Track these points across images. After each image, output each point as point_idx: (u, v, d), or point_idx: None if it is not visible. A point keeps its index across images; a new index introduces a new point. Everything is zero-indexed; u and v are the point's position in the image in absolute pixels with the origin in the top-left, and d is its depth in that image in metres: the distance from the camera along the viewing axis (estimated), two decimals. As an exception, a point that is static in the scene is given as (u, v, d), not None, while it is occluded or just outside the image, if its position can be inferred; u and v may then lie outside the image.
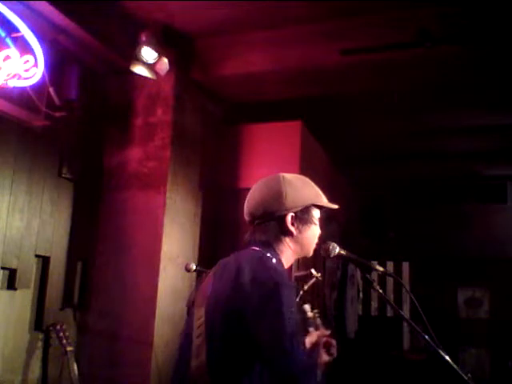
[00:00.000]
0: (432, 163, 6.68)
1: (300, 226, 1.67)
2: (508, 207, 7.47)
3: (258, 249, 1.63)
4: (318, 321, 1.97)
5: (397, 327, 6.90)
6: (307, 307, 2.01)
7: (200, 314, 1.59)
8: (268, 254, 1.60)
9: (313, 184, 1.76)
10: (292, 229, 1.65)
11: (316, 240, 1.73)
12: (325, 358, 1.79)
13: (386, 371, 6.00)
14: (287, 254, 1.67)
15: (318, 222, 1.72)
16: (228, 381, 1.47)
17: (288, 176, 1.72)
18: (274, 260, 1.59)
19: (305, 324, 1.92)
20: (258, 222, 1.68)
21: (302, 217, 1.67)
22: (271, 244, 1.65)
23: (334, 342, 1.82)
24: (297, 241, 1.67)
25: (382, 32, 3.60)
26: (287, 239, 1.67)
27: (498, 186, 7.52)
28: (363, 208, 7.72)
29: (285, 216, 1.64)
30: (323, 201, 1.73)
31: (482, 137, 5.76)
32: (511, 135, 5.56)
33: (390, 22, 3.58)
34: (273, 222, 1.65)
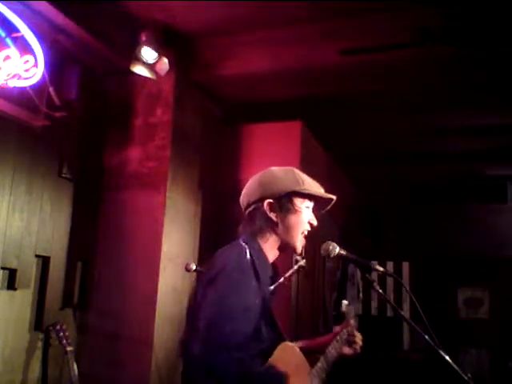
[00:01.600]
0: (432, 163, 6.68)
1: (281, 214, 1.70)
2: (508, 207, 7.46)
3: (239, 241, 1.68)
4: (351, 315, 2.00)
5: (397, 327, 6.89)
6: (345, 302, 2.04)
7: (194, 307, 1.66)
8: (243, 244, 1.65)
9: (297, 172, 1.77)
10: (272, 216, 1.69)
11: (302, 229, 1.74)
12: (345, 350, 1.85)
13: (386, 371, 5.99)
14: (270, 245, 1.71)
15: (303, 210, 1.73)
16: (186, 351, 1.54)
17: (274, 168, 1.78)
18: (247, 250, 1.63)
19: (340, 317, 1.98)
20: (245, 213, 1.76)
21: (283, 204, 1.70)
22: (254, 234, 1.70)
23: (358, 337, 1.86)
24: (279, 228, 1.70)
25: (382, 32, 3.60)
26: (269, 228, 1.70)
27: (498, 185, 7.51)
28: (363, 208, 7.72)
29: (262, 204, 1.69)
30: (304, 188, 1.73)
31: (482, 137, 5.75)
32: (511, 135, 5.55)
33: (390, 21, 3.58)
34: (255, 212, 1.71)
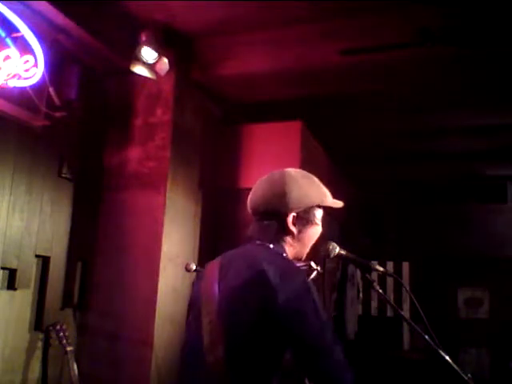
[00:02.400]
0: (432, 163, 6.68)
1: (301, 226, 1.65)
2: (508, 207, 7.46)
3: (270, 245, 1.61)
4: None
5: (397, 327, 6.89)
6: None
7: (209, 309, 1.54)
8: (271, 246, 1.60)
9: (318, 182, 1.72)
10: (293, 229, 1.63)
11: (314, 240, 1.71)
12: None
13: (385, 371, 5.99)
14: (288, 252, 1.66)
15: (320, 222, 1.70)
16: (249, 376, 1.44)
17: (294, 173, 1.68)
18: (284, 254, 1.59)
19: None
20: (258, 218, 1.66)
21: (304, 217, 1.64)
22: (272, 241, 1.63)
23: None
24: (296, 240, 1.66)
25: (382, 32, 3.60)
26: (287, 238, 1.65)
27: (498, 185, 7.51)
28: (363, 208, 7.72)
29: (287, 216, 1.62)
30: (328, 201, 1.70)
31: (482, 137, 5.75)
32: (511, 135, 5.55)
33: (390, 22, 3.58)
34: (273, 221, 1.63)
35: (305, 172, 1.74)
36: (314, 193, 1.68)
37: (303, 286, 1.45)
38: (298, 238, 1.65)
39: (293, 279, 1.46)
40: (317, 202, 1.67)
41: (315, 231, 1.69)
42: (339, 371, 1.42)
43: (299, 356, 1.43)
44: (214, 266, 1.66)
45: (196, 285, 1.75)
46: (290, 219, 1.62)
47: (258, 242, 1.64)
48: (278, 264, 1.50)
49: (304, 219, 1.65)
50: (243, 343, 1.45)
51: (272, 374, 1.45)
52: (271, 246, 1.61)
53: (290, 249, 1.66)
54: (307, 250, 1.71)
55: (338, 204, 1.74)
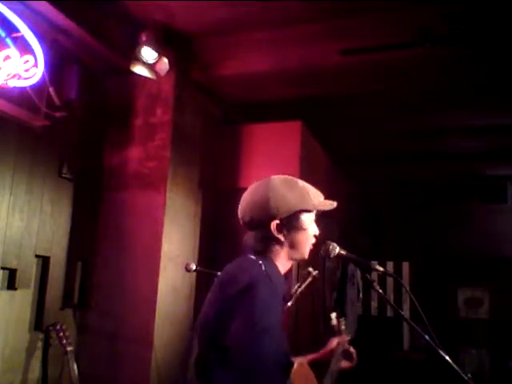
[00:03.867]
0: (432, 163, 6.68)
1: (287, 233, 1.63)
2: (508, 207, 7.46)
3: (252, 257, 1.62)
4: (343, 328, 2.00)
5: (397, 327, 6.89)
6: (333, 315, 2.04)
7: (199, 319, 1.61)
8: (260, 262, 1.58)
9: (304, 187, 1.70)
10: (279, 236, 1.62)
11: (310, 243, 1.70)
12: (343, 364, 1.87)
13: (386, 371, 5.99)
14: (282, 259, 1.65)
15: (309, 226, 1.67)
16: (207, 376, 1.48)
17: (276, 181, 1.67)
18: (263, 267, 1.56)
19: (329, 331, 1.98)
20: (247, 228, 1.67)
21: (290, 223, 1.63)
22: (263, 251, 1.63)
23: (352, 350, 1.87)
24: (287, 247, 1.65)
25: (382, 32, 3.60)
26: (277, 246, 1.64)
27: (498, 185, 7.52)
28: (363, 208, 7.72)
29: (269, 224, 1.61)
30: (311, 204, 1.67)
31: (482, 137, 5.75)
32: (511, 135, 5.55)
33: (390, 21, 3.58)
34: (260, 229, 1.63)
35: (290, 178, 1.72)
36: (296, 198, 1.65)
37: (241, 290, 1.47)
38: (288, 244, 1.64)
39: (235, 286, 1.49)
40: (299, 207, 1.64)
41: (305, 237, 1.67)
42: (264, 373, 1.41)
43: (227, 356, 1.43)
44: (214, 283, 1.69)
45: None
46: (273, 227, 1.61)
47: (249, 254, 1.64)
48: (233, 273, 1.55)
49: (289, 226, 1.63)
50: (206, 349, 1.52)
51: (228, 373, 1.45)
52: (260, 261, 1.59)
53: (283, 256, 1.65)
54: (304, 252, 1.69)
55: (329, 206, 1.71)
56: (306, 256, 1.71)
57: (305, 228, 1.65)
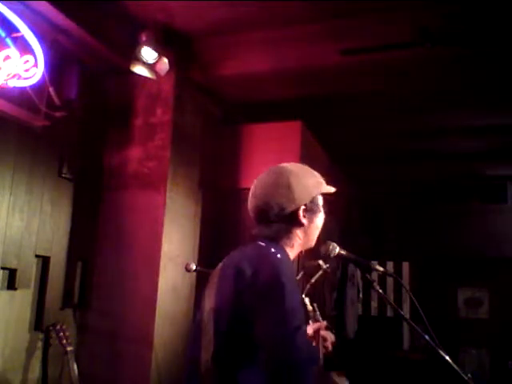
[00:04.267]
0: (432, 163, 6.68)
1: (310, 217, 1.69)
2: (508, 207, 7.46)
3: (263, 244, 1.62)
4: (318, 314, 1.97)
5: (397, 327, 6.89)
6: (307, 300, 2.00)
7: (208, 312, 1.59)
8: (272, 250, 1.58)
9: (312, 171, 1.78)
10: (304, 221, 1.67)
11: (320, 228, 1.75)
12: (320, 350, 1.82)
13: (386, 371, 5.99)
14: (295, 246, 1.69)
15: (322, 208, 1.75)
16: (231, 374, 1.47)
17: (292, 168, 1.74)
18: (278, 255, 1.56)
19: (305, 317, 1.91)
20: (264, 219, 1.66)
21: (312, 207, 1.69)
22: (280, 238, 1.66)
23: (329, 336, 1.82)
24: (306, 231, 1.69)
25: (382, 32, 3.60)
26: (298, 231, 1.68)
27: (498, 185, 7.52)
28: (363, 208, 7.72)
29: (298, 210, 1.66)
30: (324, 188, 1.76)
31: (482, 137, 5.75)
32: (511, 135, 5.55)
33: (390, 22, 3.58)
34: (282, 218, 1.66)
35: (299, 164, 1.80)
36: (313, 183, 1.73)
37: (271, 287, 1.45)
38: (307, 228, 1.69)
39: (263, 281, 1.47)
40: (317, 191, 1.72)
41: (321, 218, 1.74)
42: (300, 368, 1.40)
43: (261, 352, 1.43)
44: (216, 271, 1.70)
45: (206, 287, 1.75)
46: (300, 213, 1.66)
47: (259, 242, 1.64)
48: (255, 266, 1.51)
49: (311, 210, 1.69)
50: (226, 344, 1.49)
51: (255, 370, 1.45)
52: (272, 249, 1.59)
53: (298, 242, 1.69)
54: (315, 238, 1.74)
55: (331, 189, 1.79)
56: (313, 243, 1.75)
57: (320, 210, 1.73)
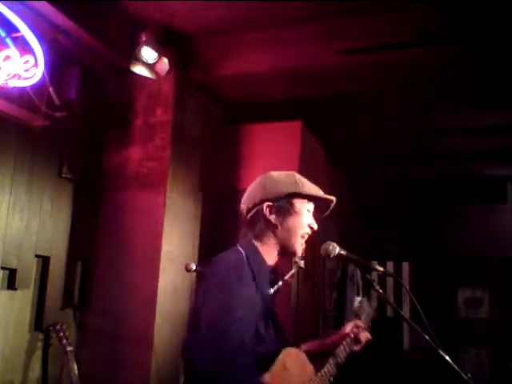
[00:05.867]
0: (432, 163, 6.68)
1: (280, 217, 1.69)
2: (508, 207, 7.46)
3: (237, 247, 1.70)
4: (364, 312, 1.99)
5: (397, 327, 6.89)
6: (357, 298, 2.03)
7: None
8: (240, 249, 1.67)
9: (299, 177, 1.77)
10: (271, 218, 1.69)
11: (302, 232, 1.72)
12: (353, 348, 1.84)
13: (386, 371, 5.99)
14: (270, 248, 1.70)
15: (302, 212, 1.72)
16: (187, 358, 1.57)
17: (274, 172, 1.78)
18: (243, 253, 1.65)
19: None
20: (246, 217, 1.74)
21: (282, 207, 1.69)
22: (254, 238, 1.71)
23: (364, 335, 1.87)
24: (278, 231, 1.70)
25: (382, 32, 3.60)
26: (269, 231, 1.70)
27: (498, 186, 7.52)
28: (363, 208, 7.72)
29: (261, 207, 1.69)
30: (303, 190, 1.72)
31: (482, 137, 5.75)
32: (511, 135, 5.55)
33: (390, 22, 3.58)
34: (255, 216, 1.71)
35: (291, 172, 1.80)
36: (287, 183, 1.73)
37: (214, 282, 1.56)
38: (280, 229, 1.70)
39: (209, 277, 1.59)
40: (290, 189, 1.71)
41: (297, 221, 1.71)
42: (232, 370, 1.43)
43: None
44: None
45: None
46: (265, 208, 1.69)
47: (237, 244, 1.72)
48: (219, 264, 1.61)
49: (282, 209, 1.69)
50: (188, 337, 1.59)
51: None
52: (239, 248, 1.69)
53: (273, 242, 1.70)
54: (296, 242, 1.72)
55: (323, 196, 1.76)
56: (297, 249, 1.73)
57: (297, 212, 1.71)
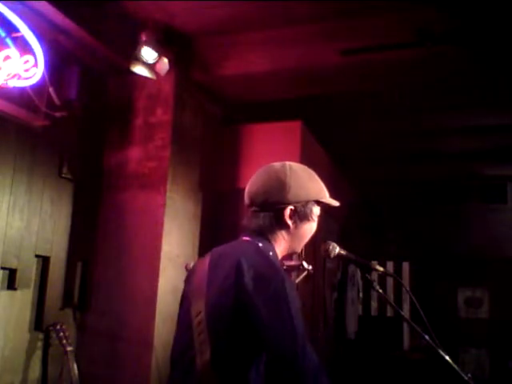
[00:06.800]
0: (432, 163, 6.68)
1: (298, 221, 1.62)
2: (508, 207, 7.47)
3: (249, 239, 1.60)
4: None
5: (397, 327, 6.89)
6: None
7: (199, 308, 1.52)
8: (260, 244, 1.57)
9: (317, 178, 1.71)
10: (289, 222, 1.61)
11: (309, 237, 1.69)
12: None
13: (386, 371, 5.99)
14: (281, 246, 1.64)
15: (316, 219, 1.67)
16: (233, 377, 1.42)
17: (294, 166, 1.68)
18: (270, 253, 1.56)
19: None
20: (255, 210, 1.63)
21: (301, 211, 1.62)
22: (265, 234, 1.61)
23: None
24: (292, 235, 1.63)
25: (382, 32, 3.60)
26: (283, 232, 1.62)
27: (498, 185, 7.52)
28: (363, 208, 7.72)
29: (284, 208, 1.60)
30: (326, 197, 1.69)
31: (482, 137, 5.75)
32: (511, 135, 5.55)
33: (390, 22, 3.58)
34: (271, 213, 1.61)
35: (305, 166, 1.72)
36: (313, 188, 1.66)
37: (277, 294, 1.42)
38: (293, 232, 1.63)
39: (268, 285, 1.43)
40: (315, 197, 1.65)
41: (310, 228, 1.67)
42: (311, 376, 1.39)
43: (270, 361, 1.40)
44: (204, 262, 1.64)
45: (187, 280, 1.70)
46: (287, 212, 1.60)
47: (247, 237, 1.61)
48: (256, 267, 1.47)
49: (301, 214, 1.62)
50: (226, 346, 1.43)
51: (256, 374, 1.42)
52: (260, 244, 1.58)
53: (283, 243, 1.63)
54: (302, 245, 1.69)
55: (335, 203, 1.73)
56: (299, 250, 1.71)
57: (313, 219, 1.66)
